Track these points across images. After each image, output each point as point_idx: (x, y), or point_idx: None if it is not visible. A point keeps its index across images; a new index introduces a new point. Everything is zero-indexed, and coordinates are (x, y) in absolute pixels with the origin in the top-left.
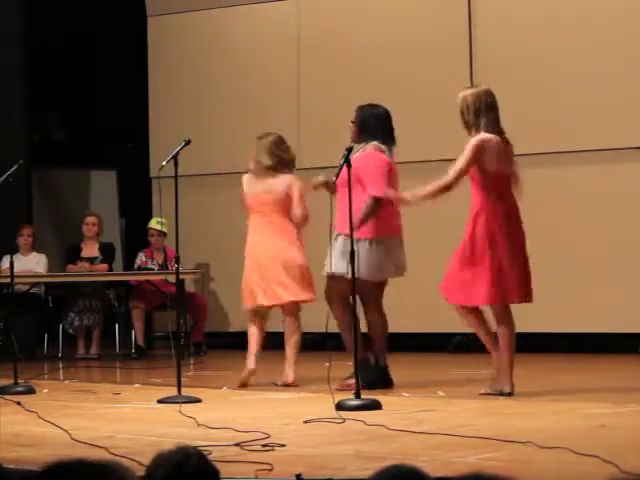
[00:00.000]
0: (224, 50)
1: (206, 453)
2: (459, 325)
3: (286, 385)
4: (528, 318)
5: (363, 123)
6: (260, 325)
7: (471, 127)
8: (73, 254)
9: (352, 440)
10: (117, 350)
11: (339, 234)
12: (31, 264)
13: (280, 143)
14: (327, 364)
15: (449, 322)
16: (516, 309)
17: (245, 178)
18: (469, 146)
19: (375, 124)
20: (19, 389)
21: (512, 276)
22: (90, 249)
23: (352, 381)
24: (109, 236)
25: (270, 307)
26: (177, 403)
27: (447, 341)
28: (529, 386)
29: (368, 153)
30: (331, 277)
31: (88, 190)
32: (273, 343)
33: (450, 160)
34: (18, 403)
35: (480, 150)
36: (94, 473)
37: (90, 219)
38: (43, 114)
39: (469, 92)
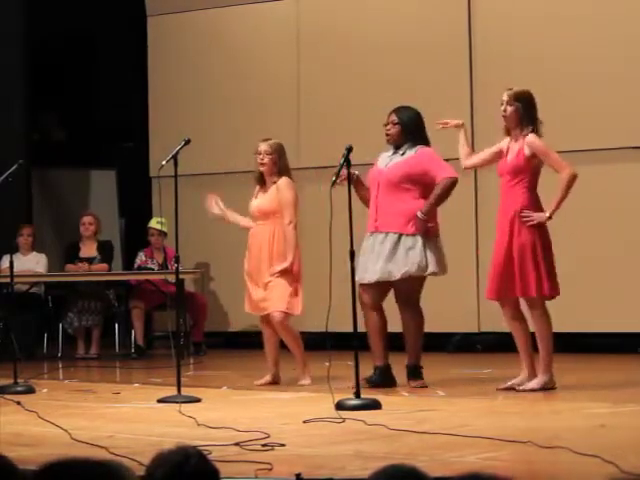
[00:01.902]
0: (224, 50)
1: (206, 453)
2: (459, 325)
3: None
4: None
5: (408, 125)
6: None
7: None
8: (72, 253)
9: (352, 440)
10: (117, 350)
11: (392, 233)
12: (31, 264)
13: None
14: (327, 364)
15: (449, 322)
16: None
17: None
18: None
19: (418, 126)
20: (19, 389)
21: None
22: (88, 249)
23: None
24: (109, 236)
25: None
26: (177, 403)
27: (447, 341)
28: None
29: (423, 151)
30: (403, 280)
31: (88, 190)
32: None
33: (449, 160)
34: (18, 403)
35: None
36: (93, 473)
37: (87, 219)
38: (43, 114)
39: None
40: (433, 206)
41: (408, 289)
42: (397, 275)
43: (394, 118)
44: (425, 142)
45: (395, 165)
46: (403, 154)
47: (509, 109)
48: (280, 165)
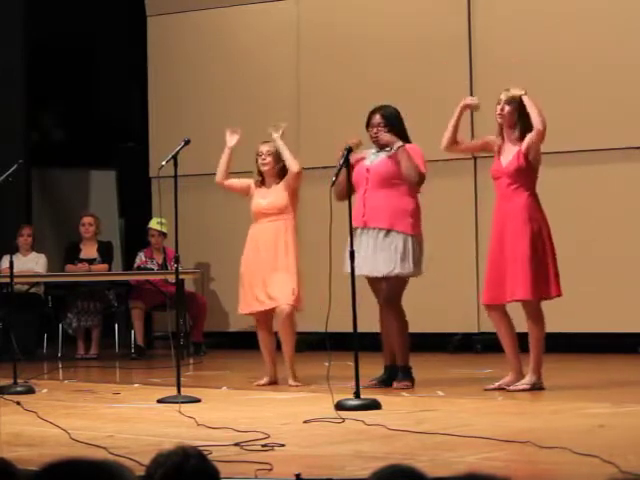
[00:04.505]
0: (224, 50)
1: (206, 453)
2: (459, 325)
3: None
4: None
5: (396, 125)
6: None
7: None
8: (72, 253)
9: (352, 440)
10: (117, 350)
11: (381, 228)
12: (31, 264)
13: None
14: (327, 364)
15: (449, 322)
16: (514, 310)
17: None
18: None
19: (402, 125)
20: (19, 389)
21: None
22: (89, 250)
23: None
24: (109, 236)
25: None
26: (177, 403)
27: (447, 341)
28: None
29: (410, 147)
30: (393, 278)
31: (88, 190)
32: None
33: (449, 160)
34: (18, 403)
35: None
36: (93, 473)
37: (87, 219)
38: (43, 114)
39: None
40: (405, 157)
41: (395, 288)
42: (384, 271)
43: (379, 120)
44: (407, 139)
45: (382, 161)
46: (389, 150)
47: (507, 108)
48: (279, 166)
